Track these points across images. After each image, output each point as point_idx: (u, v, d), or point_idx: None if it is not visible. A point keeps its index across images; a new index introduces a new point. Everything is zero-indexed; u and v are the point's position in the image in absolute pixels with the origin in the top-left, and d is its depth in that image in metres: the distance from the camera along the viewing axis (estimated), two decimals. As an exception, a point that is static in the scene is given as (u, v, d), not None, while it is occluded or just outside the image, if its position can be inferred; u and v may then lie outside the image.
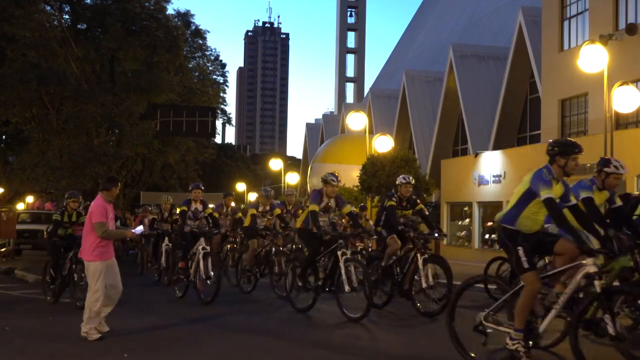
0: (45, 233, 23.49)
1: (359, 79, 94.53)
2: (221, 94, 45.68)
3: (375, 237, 11.87)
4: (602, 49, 15.87)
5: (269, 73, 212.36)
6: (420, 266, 10.06)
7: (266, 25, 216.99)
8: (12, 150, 33.02)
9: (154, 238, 16.17)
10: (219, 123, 55.30)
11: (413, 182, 11.07)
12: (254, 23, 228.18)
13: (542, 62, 25.42)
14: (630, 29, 20.06)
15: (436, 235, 10.66)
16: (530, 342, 6.26)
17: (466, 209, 27.18)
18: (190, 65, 40.40)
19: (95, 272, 8.27)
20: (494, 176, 24.47)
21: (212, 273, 11.45)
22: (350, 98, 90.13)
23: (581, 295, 6.27)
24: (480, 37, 39.66)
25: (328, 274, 10.15)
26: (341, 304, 9.84)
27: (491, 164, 24.87)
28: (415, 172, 22.72)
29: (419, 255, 10.15)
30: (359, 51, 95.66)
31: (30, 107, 28.10)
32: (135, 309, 10.76)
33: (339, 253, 9.88)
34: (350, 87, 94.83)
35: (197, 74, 41.47)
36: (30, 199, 36.85)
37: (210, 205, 13.72)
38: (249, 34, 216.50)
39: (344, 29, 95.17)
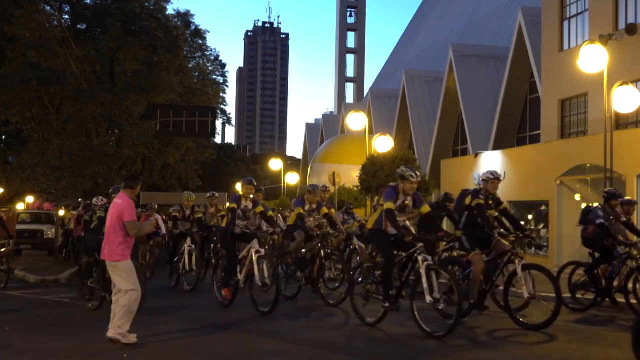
0: (45, 233, 23.70)
1: (359, 79, 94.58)
2: (221, 94, 45.59)
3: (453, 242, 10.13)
4: (602, 49, 15.89)
5: (269, 73, 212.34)
6: (520, 273, 8.86)
7: (266, 25, 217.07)
8: (12, 150, 32.96)
9: (174, 239, 15.32)
10: (218, 123, 55.35)
11: (501, 178, 9.79)
12: (254, 23, 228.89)
13: (542, 62, 25.41)
14: (630, 29, 20.05)
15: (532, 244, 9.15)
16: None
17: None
18: (190, 66, 40.33)
19: (129, 270, 8.23)
20: (494, 176, 24.41)
21: (267, 280, 10.27)
22: (350, 98, 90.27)
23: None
24: (480, 37, 39.67)
25: (403, 282, 8.90)
26: (416, 315, 8.44)
27: (491, 164, 24.82)
28: (415, 172, 22.69)
29: (517, 261, 8.94)
30: (359, 51, 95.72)
31: (30, 107, 28.04)
32: (137, 311, 10.69)
33: (420, 258, 8.55)
34: (350, 87, 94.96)
35: (197, 74, 41.41)
36: (30, 199, 36.84)
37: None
38: (249, 34, 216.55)
39: (343, 29, 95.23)
